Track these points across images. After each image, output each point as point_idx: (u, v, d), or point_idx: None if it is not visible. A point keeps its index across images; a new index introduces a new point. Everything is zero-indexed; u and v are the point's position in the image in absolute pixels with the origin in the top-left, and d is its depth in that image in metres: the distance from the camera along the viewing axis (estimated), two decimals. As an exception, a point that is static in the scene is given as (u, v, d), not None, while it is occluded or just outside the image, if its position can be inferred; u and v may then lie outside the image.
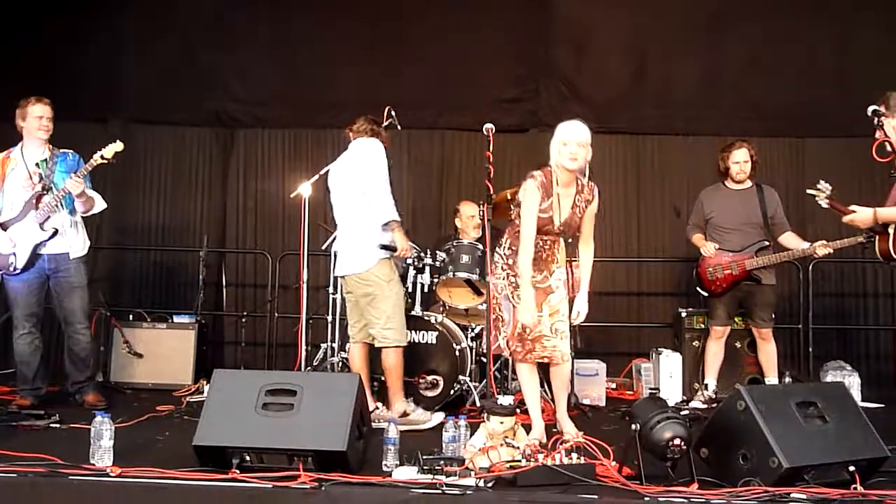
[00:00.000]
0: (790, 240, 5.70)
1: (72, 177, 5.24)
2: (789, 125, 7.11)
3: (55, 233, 5.34)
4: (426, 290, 5.64)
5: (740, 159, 5.77)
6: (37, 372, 5.39)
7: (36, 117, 5.36)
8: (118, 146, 5.29)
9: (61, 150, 5.50)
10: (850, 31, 7.25)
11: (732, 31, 7.32)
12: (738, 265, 5.69)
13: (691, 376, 6.16)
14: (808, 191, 5.04)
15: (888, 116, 4.38)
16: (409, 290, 5.65)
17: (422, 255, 5.68)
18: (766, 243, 5.69)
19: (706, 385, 5.85)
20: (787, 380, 6.09)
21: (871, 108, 4.30)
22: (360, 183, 5.01)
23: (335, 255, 5.39)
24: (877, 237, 4.66)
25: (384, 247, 4.96)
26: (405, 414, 4.86)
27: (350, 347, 5.19)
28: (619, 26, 7.46)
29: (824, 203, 4.92)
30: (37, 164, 5.38)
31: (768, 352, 5.79)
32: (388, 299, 4.94)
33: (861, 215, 4.55)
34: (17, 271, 5.27)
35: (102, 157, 5.25)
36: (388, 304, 4.93)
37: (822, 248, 5.45)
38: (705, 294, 5.91)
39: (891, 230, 4.53)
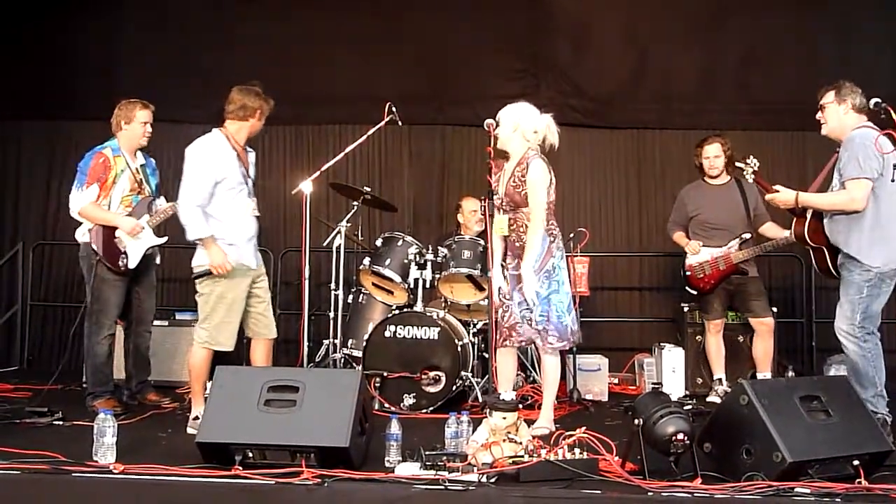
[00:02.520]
0: (771, 230, 5.71)
1: None
2: (789, 118, 7.06)
3: (167, 239, 5.42)
4: (428, 285, 5.62)
5: (710, 154, 5.81)
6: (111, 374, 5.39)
7: (141, 123, 5.30)
8: None
9: (143, 154, 5.48)
10: (850, 23, 7.23)
11: (731, 25, 7.31)
12: (724, 260, 5.70)
13: (693, 371, 6.16)
14: (737, 163, 5.11)
15: (842, 102, 4.50)
16: (411, 286, 5.64)
17: (423, 251, 5.66)
18: (749, 235, 5.71)
19: (719, 380, 5.85)
20: (790, 374, 6.08)
21: (873, 101, 4.28)
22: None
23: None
24: (795, 219, 4.77)
25: (198, 276, 4.66)
26: (196, 418, 4.58)
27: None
28: (618, 21, 7.45)
29: (751, 178, 5.00)
30: (136, 170, 5.35)
31: (765, 348, 5.77)
32: (210, 300, 4.69)
33: (783, 196, 4.69)
34: (127, 269, 5.21)
35: None
36: (209, 304, 4.70)
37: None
38: (694, 292, 5.93)
39: (808, 215, 4.66)
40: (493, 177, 4.76)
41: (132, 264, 5.24)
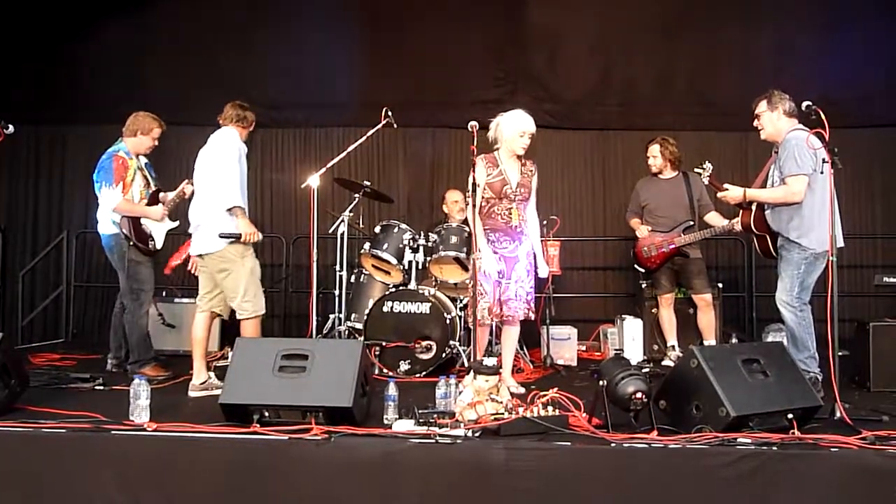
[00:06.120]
0: (713, 218, 5.72)
1: (187, 183, 5.22)
2: (734, 120, 6.99)
3: (179, 224, 5.40)
4: (420, 267, 5.60)
5: (649, 154, 5.86)
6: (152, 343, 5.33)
7: (153, 138, 5.24)
8: None
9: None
10: (784, 38, 7.24)
11: (684, 39, 7.30)
12: (669, 242, 5.70)
13: (650, 339, 6.17)
14: (695, 169, 5.14)
15: (774, 109, 4.53)
16: (406, 267, 5.62)
17: (416, 236, 5.64)
18: (692, 223, 5.71)
19: (672, 347, 5.85)
20: (734, 340, 6.10)
21: (805, 104, 4.25)
22: (211, 170, 4.70)
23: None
24: (742, 211, 4.79)
25: (226, 235, 4.63)
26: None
27: (196, 316, 4.85)
28: (586, 33, 7.43)
29: (706, 180, 5.05)
30: (142, 168, 5.29)
31: (707, 319, 5.78)
32: (242, 274, 4.70)
33: (732, 193, 4.72)
34: (155, 250, 5.23)
35: None
36: (243, 279, 4.69)
37: (739, 225, 5.41)
38: (642, 270, 5.94)
39: (753, 207, 4.68)
40: (486, 172, 4.62)
41: (159, 245, 5.27)
